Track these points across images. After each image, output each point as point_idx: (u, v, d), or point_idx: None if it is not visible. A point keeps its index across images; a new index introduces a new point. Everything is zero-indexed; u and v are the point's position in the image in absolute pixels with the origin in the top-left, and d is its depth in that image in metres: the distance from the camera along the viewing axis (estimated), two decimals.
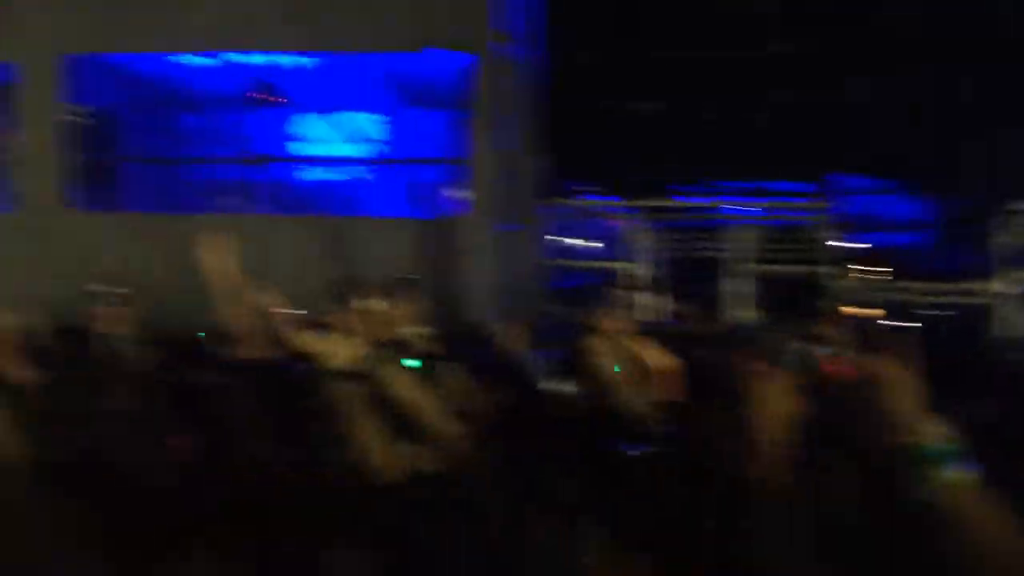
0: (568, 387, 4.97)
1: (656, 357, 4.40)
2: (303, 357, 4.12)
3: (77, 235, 9.87)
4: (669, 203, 13.30)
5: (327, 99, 10.93)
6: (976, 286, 11.49)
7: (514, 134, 9.69)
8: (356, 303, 3.32)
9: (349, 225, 9.91)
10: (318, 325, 4.74)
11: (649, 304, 10.82)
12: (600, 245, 14.31)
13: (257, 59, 10.34)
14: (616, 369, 4.08)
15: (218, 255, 4.40)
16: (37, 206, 10.12)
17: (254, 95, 10.42)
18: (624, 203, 12.75)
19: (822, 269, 12.14)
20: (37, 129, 10.33)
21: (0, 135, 10.83)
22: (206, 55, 10.49)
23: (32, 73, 10.26)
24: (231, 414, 3.11)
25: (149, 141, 12.90)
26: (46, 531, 1.95)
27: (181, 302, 8.15)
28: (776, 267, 12.35)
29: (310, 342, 4.38)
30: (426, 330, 5.03)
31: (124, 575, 1.77)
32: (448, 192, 10.54)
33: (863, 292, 11.74)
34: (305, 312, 5.83)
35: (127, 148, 12.91)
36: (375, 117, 12.18)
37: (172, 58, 10.64)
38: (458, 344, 5.28)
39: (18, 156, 10.47)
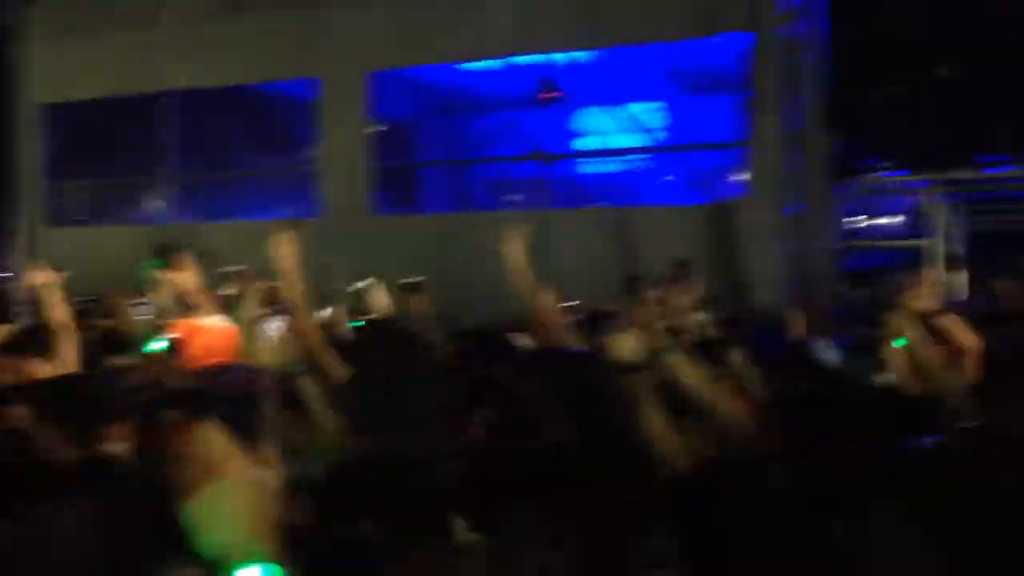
0: (865, 371, 4.78)
1: (964, 338, 4.16)
2: (593, 347, 4.24)
3: (380, 237, 10.53)
4: (974, 174, 12.35)
5: (608, 92, 11.08)
6: None
7: (799, 113, 9.39)
8: (642, 293, 3.37)
9: (633, 215, 9.98)
10: (606, 316, 4.85)
11: (953, 282, 10.16)
12: (898, 222, 13.57)
13: (541, 59, 10.63)
14: (919, 351, 3.88)
15: (516, 250, 4.59)
16: (343, 212, 10.89)
17: (539, 94, 10.72)
18: (923, 177, 12.00)
19: None
20: (342, 140, 11.16)
21: (308, 147, 11.80)
22: (493, 60, 10.92)
23: (337, 88, 11.10)
24: (526, 402, 3.25)
25: (443, 145, 13.64)
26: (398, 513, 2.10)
27: (478, 297, 8.59)
28: None
29: (597, 333, 4.50)
30: (711, 317, 5.02)
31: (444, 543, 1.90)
32: (730, 176, 10.37)
33: None
34: (593, 303, 5.98)
35: (423, 154, 13.71)
36: (655, 106, 12.21)
37: (462, 66, 11.15)
38: (744, 330, 5.21)
39: (324, 166, 11.36)
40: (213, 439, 1.58)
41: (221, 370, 3.30)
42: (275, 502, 1.60)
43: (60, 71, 12.47)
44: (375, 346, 4.81)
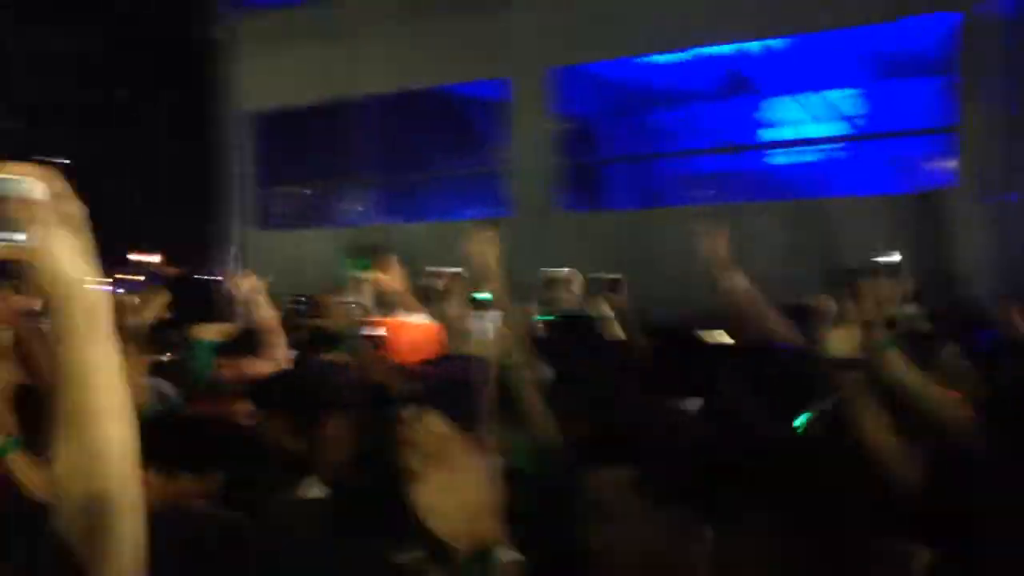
0: None
1: None
2: (800, 342, 4.14)
3: (567, 235, 10.60)
4: None
5: (799, 80, 10.77)
6: None
7: (1009, 95, 8.86)
8: (847, 287, 3.28)
9: (829, 207, 9.68)
10: (809, 311, 4.73)
11: None
12: None
13: (726, 48, 10.44)
14: None
15: (718, 246, 4.54)
16: (531, 210, 11.03)
17: (728, 85, 10.54)
18: None
19: None
20: (529, 139, 11.30)
21: (498, 147, 12.02)
22: (678, 52, 10.81)
23: (524, 87, 11.26)
24: (731, 398, 3.22)
25: (629, 141, 13.60)
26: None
27: (666, 292, 8.54)
28: None
29: (801, 328, 4.39)
30: (918, 311, 4.82)
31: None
32: (934, 164, 9.89)
33: None
34: (789, 299, 5.84)
35: (607, 150, 13.71)
36: (850, 92, 11.78)
37: (647, 59, 11.09)
38: (954, 324, 4.99)
39: (513, 165, 11.54)
40: (436, 428, 1.65)
41: (439, 361, 3.42)
42: (497, 489, 1.65)
43: (265, 80, 13.17)
44: (572, 342, 4.89)
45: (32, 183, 1.22)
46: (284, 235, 13.39)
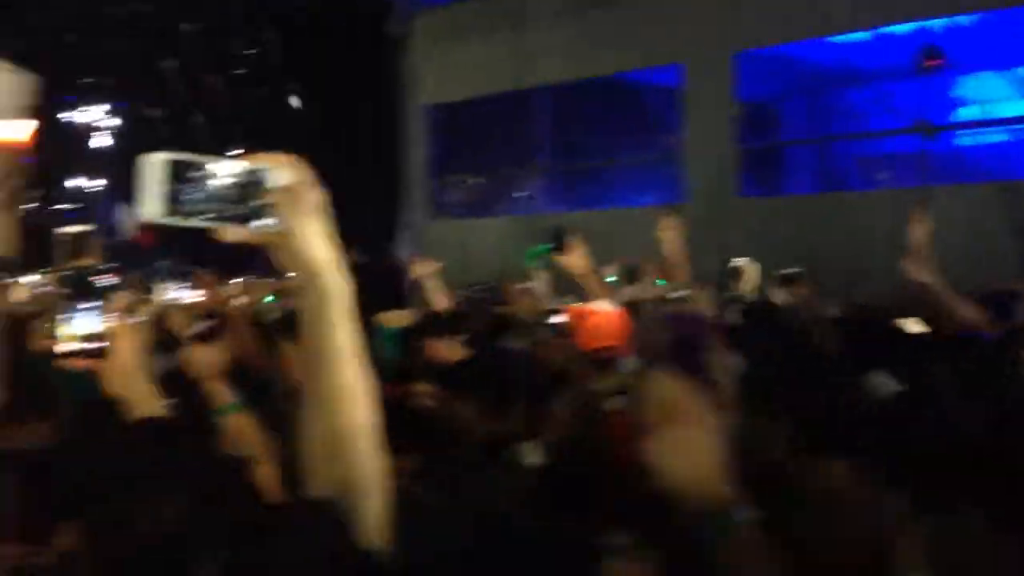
0: None
1: None
2: (992, 330, 3.96)
3: (746, 220, 10.40)
4: None
5: (988, 57, 10.19)
6: None
7: None
8: None
9: (1022, 189, 9.15)
10: (1011, 296, 4.52)
11: None
12: None
13: (912, 26, 9.99)
14: None
15: (920, 231, 4.39)
16: (708, 195, 10.86)
17: (920, 62, 10.06)
18: None
19: None
20: (706, 123, 11.13)
21: (673, 133, 11.88)
22: (866, 30, 10.40)
23: (701, 72, 11.10)
24: (929, 388, 3.11)
25: (808, 123, 13.22)
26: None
27: (851, 279, 8.27)
28: None
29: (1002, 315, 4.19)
30: None
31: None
32: None
33: None
34: (986, 285, 5.57)
35: (789, 132, 13.36)
36: None
37: (827, 39, 10.74)
38: None
39: (689, 151, 11.39)
40: (667, 386, 1.63)
41: (669, 318, 3.40)
42: (728, 448, 1.61)
43: (441, 74, 13.48)
44: (760, 330, 4.81)
45: (280, 171, 1.30)
46: (459, 223, 13.68)
